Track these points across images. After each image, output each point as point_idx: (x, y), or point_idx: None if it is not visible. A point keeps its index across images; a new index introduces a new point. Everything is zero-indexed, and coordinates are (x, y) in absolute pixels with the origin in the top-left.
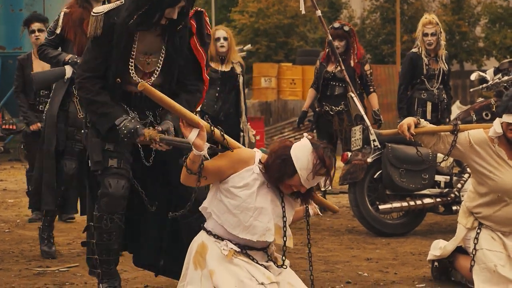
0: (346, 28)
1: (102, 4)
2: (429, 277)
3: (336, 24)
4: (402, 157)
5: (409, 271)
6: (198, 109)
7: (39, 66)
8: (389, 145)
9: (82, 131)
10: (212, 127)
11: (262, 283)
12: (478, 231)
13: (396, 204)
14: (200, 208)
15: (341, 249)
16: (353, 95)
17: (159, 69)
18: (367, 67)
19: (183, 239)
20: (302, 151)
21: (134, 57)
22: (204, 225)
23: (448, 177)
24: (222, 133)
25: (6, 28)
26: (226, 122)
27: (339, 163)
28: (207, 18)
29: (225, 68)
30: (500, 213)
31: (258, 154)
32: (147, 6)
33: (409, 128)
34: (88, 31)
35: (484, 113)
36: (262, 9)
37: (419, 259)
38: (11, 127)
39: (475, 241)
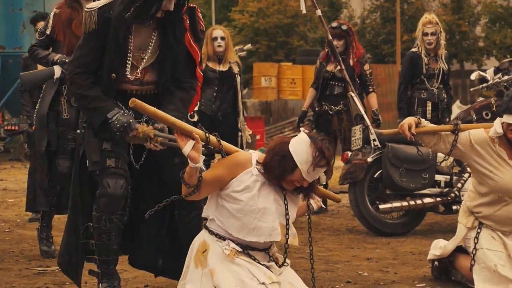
0: (344, 27)
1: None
2: (429, 276)
3: (334, 24)
4: (402, 156)
5: (409, 270)
6: (196, 108)
7: None
8: (389, 144)
9: (78, 131)
10: (207, 134)
11: (263, 283)
12: (479, 230)
13: (396, 204)
14: (202, 216)
15: (341, 248)
16: (353, 94)
17: (153, 64)
18: (366, 67)
19: (181, 239)
20: (300, 145)
21: (131, 50)
22: (207, 224)
23: (448, 176)
24: (218, 139)
25: (6, 28)
26: (224, 122)
27: (339, 163)
28: (199, 14)
29: (223, 67)
30: (500, 213)
31: (255, 155)
32: None
33: (410, 128)
34: (78, 30)
35: (484, 113)
36: (262, 8)
37: (419, 258)
38: (13, 128)
39: (475, 241)
